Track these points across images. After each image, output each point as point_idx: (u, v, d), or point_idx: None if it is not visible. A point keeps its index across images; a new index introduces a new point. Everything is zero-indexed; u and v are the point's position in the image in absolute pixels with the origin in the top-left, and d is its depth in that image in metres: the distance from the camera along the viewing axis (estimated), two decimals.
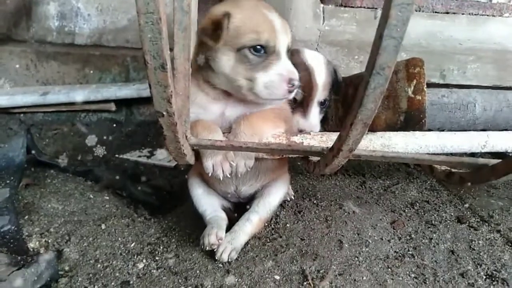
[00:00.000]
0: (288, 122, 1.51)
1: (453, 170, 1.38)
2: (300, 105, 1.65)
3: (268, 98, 1.36)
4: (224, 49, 1.33)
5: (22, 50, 2.82)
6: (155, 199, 2.04)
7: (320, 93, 1.65)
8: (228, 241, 1.47)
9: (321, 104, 1.69)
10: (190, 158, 1.18)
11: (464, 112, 1.92)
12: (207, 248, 1.44)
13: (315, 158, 1.35)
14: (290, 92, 1.35)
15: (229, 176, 1.39)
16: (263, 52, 1.33)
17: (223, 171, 1.35)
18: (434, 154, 1.42)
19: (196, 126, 1.34)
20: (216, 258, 1.44)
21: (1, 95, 2.66)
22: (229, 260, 1.44)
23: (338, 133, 1.46)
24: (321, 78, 1.64)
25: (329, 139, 1.44)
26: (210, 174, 1.37)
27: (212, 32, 1.30)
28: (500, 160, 1.13)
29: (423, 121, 1.34)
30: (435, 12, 2.67)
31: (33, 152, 2.13)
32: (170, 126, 0.93)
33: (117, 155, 2.50)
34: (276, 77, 1.32)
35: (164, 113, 0.88)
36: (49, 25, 2.78)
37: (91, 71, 2.89)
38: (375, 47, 0.74)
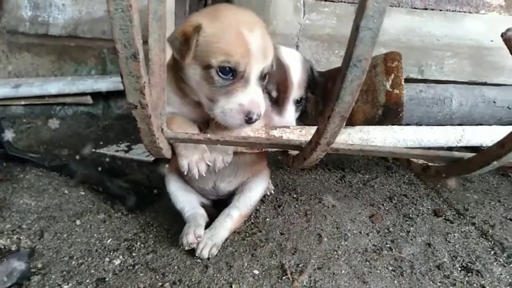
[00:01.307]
0: (266, 117, 1.49)
1: (429, 164, 1.40)
2: (275, 102, 1.63)
3: (223, 124, 1.25)
4: (192, 63, 1.23)
5: None
6: (132, 194, 1.99)
7: (296, 91, 1.63)
8: (208, 237, 1.45)
9: (297, 102, 1.67)
10: (167, 152, 1.15)
11: (441, 107, 1.94)
12: (186, 247, 1.42)
13: (294, 152, 1.34)
14: (248, 123, 1.22)
15: (204, 175, 1.35)
16: (230, 75, 1.21)
17: (198, 170, 1.32)
18: (411, 148, 1.43)
19: (171, 122, 1.29)
20: (196, 254, 1.42)
21: None
22: (209, 256, 1.42)
23: (316, 126, 1.47)
24: (297, 76, 1.61)
25: (308, 133, 1.44)
26: (185, 173, 1.34)
27: (180, 45, 1.20)
28: (475, 154, 1.15)
29: (400, 115, 1.35)
30: (414, 8, 2.69)
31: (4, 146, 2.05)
32: (144, 119, 0.90)
33: (93, 150, 2.44)
34: (235, 106, 1.21)
35: (137, 104, 0.85)
36: (22, 15, 2.69)
37: (66, 63, 2.81)
38: (352, 38, 0.74)
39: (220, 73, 1.20)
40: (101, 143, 2.56)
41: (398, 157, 1.75)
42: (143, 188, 2.09)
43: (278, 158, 2.33)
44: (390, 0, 0.70)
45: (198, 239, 1.43)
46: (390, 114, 1.36)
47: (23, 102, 2.65)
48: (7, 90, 2.57)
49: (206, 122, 1.38)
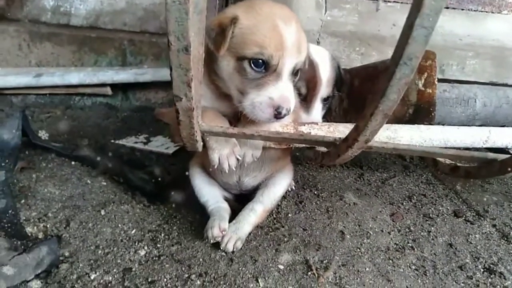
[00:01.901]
0: (294, 113, 1.49)
1: (458, 164, 1.39)
2: (303, 99, 1.63)
3: (251, 117, 1.25)
4: (226, 54, 1.23)
5: (15, 29, 2.74)
6: (153, 185, 2.01)
7: (324, 89, 1.64)
8: (233, 231, 1.46)
9: (324, 100, 1.68)
10: (200, 145, 1.16)
11: (465, 107, 1.93)
12: (212, 241, 1.43)
13: (321, 149, 1.34)
14: (276, 117, 1.22)
15: (234, 169, 1.36)
16: (263, 68, 1.21)
17: (229, 164, 1.33)
18: (444, 148, 1.43)
19: (204, 115, 1.29)
20: (221, 247, 1.43)
21: None
22: (234, 249, 1.43)
23: (344, 124, 1.47)
24: (326, 74, 1.62)
25: (336, 130, 1.44)
26: (215, 167, 1.35)
27: (216, 36, 1.20)
28: (510, 156, 1.14)
29: (432, 114, 1.34)
30: None
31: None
32: (187, 111, 0.90)
33: (113, 141, 2.45)
34: (265, 99, 1.21)
35: (183, 97, 0.86)
36: (44, 4, 2.71)
37: (87, 54, 2.82)
38: (404, 36, 0.73)
39: (253, 65, 1.21)
40: (120, 134, 2.57)
41: (431, 156, 1.74)
42: (162, 180, 2.11)
43: (297, 154, 2.33)
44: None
45: (223, 232, 1.44)
46: (422, 113, 1.35)
47: (44, 92, 2.66)
48: (28, 79, 2.59)
49: (236, 116, 1.38)
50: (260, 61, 1.20)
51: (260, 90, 1.22)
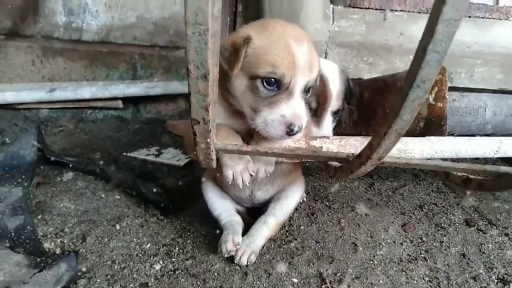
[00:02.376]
0: (306, 127, 1.51)
1: (470, 176, 1.40)
2: (314, 113, 1.65)
3: (264, 134, 1.28)
4: (239, 73, 1.26)
5: (28, 45, 2.81)
6: (165, 198, 2.03)
7: (334, 103, 1.66)
8: (247, 245, 1.48)
9: (335, 113, 1.70)
10: (215, 163, 1.18)
11: (475, 116, 1.94)
12: (226, 255, 1.45)
13: (334, 163, 1.35)
14: (289, 134, 1.24)
15: (248, 185, 1.39)
16: (275, 86, 1.24)
17: (243, 180, 1.36)
18: (455, 161, 1.44)
19: (218, 133, 1.31)
20: (235, 261, 1.45)
21: (7, 91, 2.64)
22: (248, 263, 1.45)
23: (355, 137, 1.49)
24: (335, 88, 1.64)
25: (347, 143, 1.45)
26: (229, 183, 1.38)
27: (229, 56, 1.23)
28: None
29: (443, 128, 1.36)
30: None
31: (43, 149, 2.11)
32: (204, 133, 0.93)
33: (124, 153, 2.49)
34: (277, 117, 1.23)
35: (200, 120, 0.88)
36: (56, 20, 2.77)
37: (98, 68, 2.88)
38: (417, 60, 0.75)
39: (265, 84, 1.24)
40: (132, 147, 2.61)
41: (444, 170, 1.75)
42: (174, 193, 2.14)
43: (307, 165, 2.35)
44: (460, 24, 0.70)
45: (237, 246, 1.45)
46: (432, 127, 1.36)
47: (57, 106, 2.71)
48: (42, 94, 2.64)
49: (249, 133, 1.40)
50: (273, 80, 1.23)
51: (272, 108, 1.24)
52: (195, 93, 0.81)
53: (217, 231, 1.63)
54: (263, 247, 1.56)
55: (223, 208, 1.66)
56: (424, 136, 1.45)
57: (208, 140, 0.96)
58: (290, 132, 1.23)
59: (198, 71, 0.76)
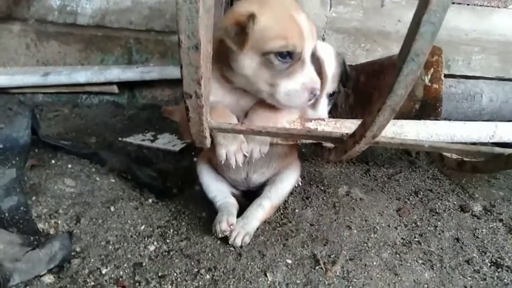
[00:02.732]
0: (301, 109, 1.50)
1: (465, 158, 1.40)
2: None
3: (287, 105, 1.33)
4: (248, 52, 1.25)
5: (22, 29, 2.77)
6: (160, 182, 2.03)
7: (330, 85, 1.65)
8: (241, 226, 1.48)
9: (330, 95, 1.69)
10: (209, 142, 1.18)
11: (471, 102, 1.94)
12: (220, 235, 1.45)
13: (329, 145, 1.35)
14: (310, 100, 1.32)
15: (240, 165, 1.39)
16: (288, 58, 1.27)
17: (236, 160, 1.36)
18: (450, 143, 1.43)
19: (212, 111, 1.31)
20: (230, 242, 1.45)
21: (0, 74, 2.61)
22: (242, 244, 1.45)
23: (351, 120, 1.48)
24: (331, 70, 1.63)
25: (343, 125, 1.45)
26: (222, 162, 1.38)
27: (236, 35, 1.22)
28: None
29: (439, 110, 1.35)
30: None
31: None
32: (197, 108, 0.92)
33: (120, 139, 2.48)
34: (299, 86, 1.28)
35: (193, 94, 0.87)
36: (50, 4, 2.73)
37: (93, 53, 2.85)
38: (411, 32, 0.74)
39: (279, 58, 1.26)
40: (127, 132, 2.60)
41: (438, 151, 1.75)
42: (170, 177, 2.13)
43: (303, 150, 2.35)
44: None
45: (231, 227, 1.45)
46: (428, 108, 1.36)
47: (52, 91, 2.69)
48: (36, 78, 2.62)
49: (244, 112, 1.40)
50: (285, 52, 1.25)
51: (290, 79, 1.28)
52: (187, 65, 0.80)
53: (212, 214, 1.64)
54: (257, 229, 1.56)
55: (218, 190, 1.66)
56: (419, 118, 1.45)
57: (201, 116, 0.95)
58: (312, 96, 1.31)
59: (189, 41, 0.75)
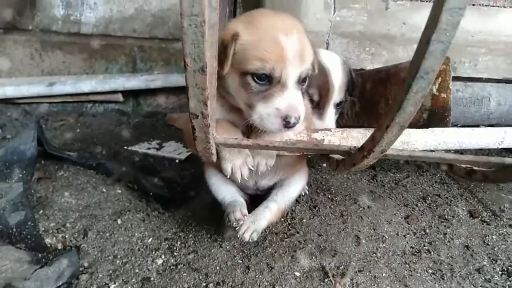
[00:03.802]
0: (307, 119, 1.49)
1: (475, 168, 1.38)
2: (316, 106, 1.64)
3: (262, 128, 1.27)
4: (230, 71, 1.23)
5: (27, 39, 2.78)
6: (167, 192, 2.02)
7: (337, 95, 1.63)
8: (251, 221, 1.47)
9: (337, 105, 1.68)
10: (215, 157, 1.17)
11: (479, 106, 1.91)
12: (234, 224, 1.42)
13: (337, 156, 1.34)
14: (286, 127, 1.21)
15: (246, 179, 1.38)
16: (266, 81, 1.21)
17: (241, 174, 1.34)
18: (453, 151, 1.41)
19: (217, 127, 1.29)
20: (238, 235, 1.43)
21: (6, 85, 2.62)
22: (250, 240, 1.43)
23: (358, 129, 1.47)
24: (338, 80, 1.62)
25: (350, 136, 1.43)
26: (228, 176, 1.37)
27: (219, 54, 1.16)
28: None
29: (447, 119, 1.33)
30: None
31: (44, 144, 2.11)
32: (203, 128, 0.91)
33: (125, 147, 2.48)
34: (272, 110, 1.21)
35: (199, 115, 0.86)
36: (54, 13, 2.74)
37: (97, 61, 2.85)
38: (420, 50, 0.73)
39: (256, 79, 1.21)
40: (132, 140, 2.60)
41: (448, 162, 1.72)
42: (176, 186, 2.13)
43: (309, 157, 2.33)
44: (464, 12, 0.68)
45: (245, 217, 1.44)
46: (436, 118, 1.34)
47: (57, 100, 2.70)
48: (41, 88, 2.63)
49: (249, 127, 1.39)
50: (263, 74, 1.20)
51: (266, 102, 1.22)
52: (193, 87, 0.79)
53: (217, 224, 1.63)
54: (264, 240, 1.56)
55: (227, 191, 1.64)
56: (427, 127, 1.43)
57: (208, 134, 0.94)
58: (287, 124, 1.20)
59: (195, 64, 0.74)
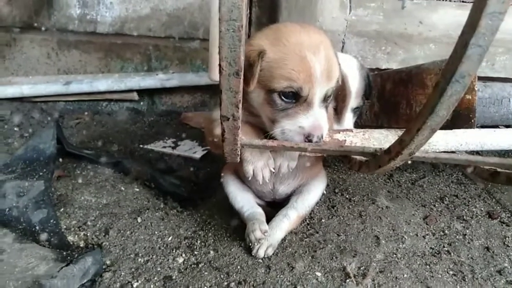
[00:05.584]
0: (329, 120, 1.49)
1: (498, 169, 1.37)
2: (334, 110, 1.64)
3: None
4: (256, 86, 1.23)
5: (43, 38, 2.81)
6: (183, 190, 2.04)
7: (354, 100, 1.63)
8: (265, 237, 1.48)
9: (354, 109, 1.68)
10: (239, 158, 1.18)
11: (498, 107, 1.90)
12: (256, 244, 1.44)
13: (359, 157, 1.34)
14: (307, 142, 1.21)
15: (267, 181, 1.39)
16: (293, 99, 1.21)
17: (263, 176, 1.35)
18: (476, 152, 1.40)
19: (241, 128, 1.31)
20: (252, 254, 1.45)
21: (23, 84, 2.65)
22: (265, 256, 1.45)
23: (379, 130, 1.47)
24: (355, 85, 1.62)
25: (371, 136, 1.43)
26: (249, 178, 1.38)
27: (244, 71, 1.19)
28: None
29: (472, 121, 1.32)
30: (463, 1, 2.61)
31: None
32: (233, 130, 0.92)
33: (141, 146, 2.50)
34: (295, 128, 1.21)
35: (230, 117, 0.87)
36: (71, 13, 2.76)
37: (113, 60, 2.87)
38: (457, 54, 0.72)
39: (283, 97, 1.22)
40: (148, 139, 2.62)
41: (474, 165, 1.71)
42: (192, 185, 2.14)
43: (325, 157, 2.33)
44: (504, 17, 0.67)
45: (265, 234, 1.45)
46: (460, 119, 1.33)
47: (73, 99, 2.73)
48: (58, 87, 2.65)
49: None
50: (290, 93, 1.20)
51: (291, 120, 1.22)
52: (226, 90, 0.79)
53: (238, 223, 1.64)
54: (284, 239, 1.56)
55: (245, 200, 1.66)
56: (451, 129, 1.42)
57: (237, 137, 0.95)
58: (309, 141, 1.21)
59: (231, 68, 0.75)
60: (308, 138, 1.20)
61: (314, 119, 1.22)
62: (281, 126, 1.23)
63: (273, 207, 1.73)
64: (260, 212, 1.60)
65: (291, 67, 1.18)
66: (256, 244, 1.44)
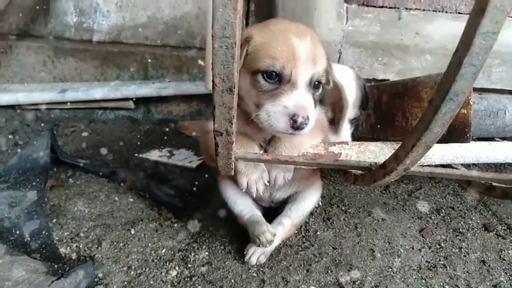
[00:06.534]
0: (324, 132, 1.49)
1: (494, 184, 1.36)
2: (331, 122, 1.63)
3: (268, 128, 1.23)
4: (242, 70, 1.24)
5: (40, 46, 2.80)
6: (178, 201, 2.02)
7: (351, 111, 1.63)
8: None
9: (351, 120, 1.68)
10: (233, 171, 1.16)
11: (494, 119, 1.89)
12: (267, 245, 1.42)
13: (356, 171, 1.33)
14: (294, 128, 1.16)
15: (261, 194, 1.39)
16: (276, 79, 1.21)
17: (257, 189, 1.34)
18: (472, 165, 1.40)
19: (235, 140, 1.29)
20: (245, 260, 1.45)
21: (19, 91, 2.64)
22: (257, 263, 1.44)
23: (374, 143, 1.46)
24: (352, 96, 1.61)
25: (367, 149, 1.42)
26: (243, 190, 1.37)
27: None
28: None
29: (467, 135, 1.32)
30: (459, 13, 2.62)
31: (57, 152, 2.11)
32: (226, 144, 0.91)
33: (136, 154, 2.48)
34: (280, 109, 1.18)
35: (224, 132, 0.86)
36: (67, 21, 2.76)
37: (109, 68, 2.87)
38: (451, 72, 0.72)
39: (266, 77, 1.21)
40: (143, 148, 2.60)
41: (470, 179, 1.71)
42: (187, 195, 2.12)
43: (321, 168, 2.32)
44: (497, 37, 0.67)
45: (274, 236, 1.44)
46: (456, 134, 1.33)
47: (68, 107, 2.71)
48: (54, 95, 2.64)
49: (265, 141, 1.39)
50: (273, 73, 1.20)
51: (275, 101, 1.20)
52: (220, 106, 0.79)
53: (232, 236, 1.63)
54: (278, 252, 1.55)
55: (244, 204, 1.64)
56: (447, 143, 1.42)
57: (231, 151, 0.94)
58: (294, 123, 1.16)
59: (224, 84, 0.74)
60: (293, 119, 1.15)
61: (298, 99, 1.20)
62: (266, 108, 1.21)
63: (269, 214, 1.71)
64: (260, 215, 1.58)
65: (274, 47, 1.19)
66: (266, 245, 1.42)
